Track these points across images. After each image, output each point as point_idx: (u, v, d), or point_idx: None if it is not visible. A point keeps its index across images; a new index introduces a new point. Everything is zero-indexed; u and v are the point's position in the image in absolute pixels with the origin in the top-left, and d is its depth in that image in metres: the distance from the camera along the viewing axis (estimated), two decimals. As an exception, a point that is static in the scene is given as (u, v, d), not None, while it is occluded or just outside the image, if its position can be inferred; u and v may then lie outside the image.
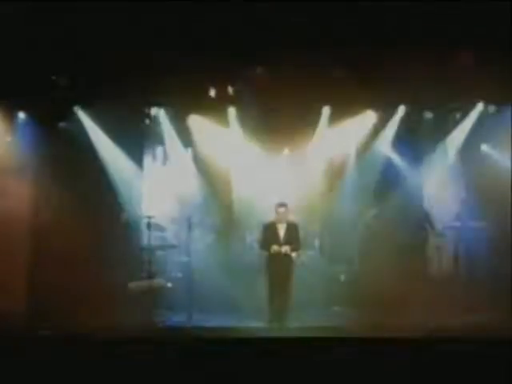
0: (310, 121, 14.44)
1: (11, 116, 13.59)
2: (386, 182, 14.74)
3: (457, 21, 9.85)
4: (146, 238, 13.10)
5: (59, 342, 9.08)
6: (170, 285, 13.66)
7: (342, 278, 14.00)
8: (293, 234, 12.16)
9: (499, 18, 9.72)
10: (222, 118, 14.44)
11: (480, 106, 14.09)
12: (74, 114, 13.83)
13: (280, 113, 14.13)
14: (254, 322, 11.87)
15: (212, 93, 13.47)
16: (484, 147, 14.66)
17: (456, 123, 14.58)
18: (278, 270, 11.94)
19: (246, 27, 10.08)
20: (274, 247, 11.97)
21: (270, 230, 12.21)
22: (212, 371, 8.13)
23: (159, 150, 15.38)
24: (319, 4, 9.74)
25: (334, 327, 11.93)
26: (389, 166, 14.93)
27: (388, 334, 10.45)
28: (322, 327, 11.80)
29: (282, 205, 12.24)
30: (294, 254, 12.17)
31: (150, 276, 13.01)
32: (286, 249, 11.94)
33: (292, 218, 13.06)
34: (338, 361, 8.19)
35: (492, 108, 13.91)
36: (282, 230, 12.11)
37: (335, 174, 15.02)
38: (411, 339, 9.15)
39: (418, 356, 8.22)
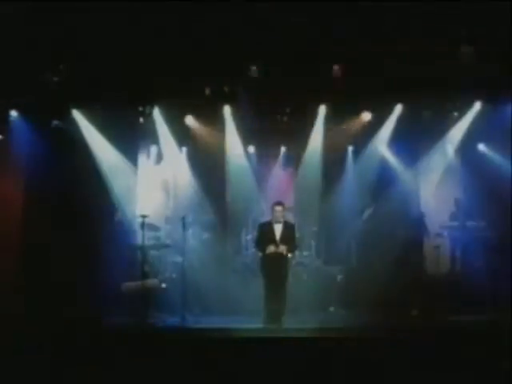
0: (307, 120, 14.63)
1: (4, 114, 13.65)
2: (383, 182, 14.96)
3: (457, 21, 10.01)
4: (140, 238, 13.02)
5: (51, 340, 9.20)
6: (164, 285, 13.68)
7: (339, 278, 14.06)
8: (289, 234, 12.08)
9: (499, 18, 9.88)
10: (218, 117, 14.58)
11: (478, 105, 14.27)
12: (67, 113, 13.93)
13: (277, 112, 14.39)
14: (250, 323, 11.77)
15: (208, 91, 13.57)
16: (481, 146, 14.94)
17: (454, 122, 14.75)
18: (274, 271, 11.83)
19: (246, 27, 10.21)
20: (270, 248, 11.87)
21: (266, 230, 12.11)
22: (209, 372, 8.28)
23: (154, 148, 15.51)
24: (319, 4, 9.88)
25: (331, 327, 11.94)
26: (386, 166, 15.17)
27: (386, 334, 10.67)
28: (319, 328, 11.79)
29: (279, 204, 12.16)
30: (289, 255, 12.12)
31: (144, 276, 12.99)
32: (283, 249, 11.85)
33: (289, 217, 13.23)
34: (337, 360, 8.40)
35: (490, 107, 14.06)
36: (278, 230, 11.98)
37: (332, 173, 15.20)
38: (410, 339, 9.29)
39: (418, 356, 8.38)
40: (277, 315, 11.70)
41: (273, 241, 11.89)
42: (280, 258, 11.87)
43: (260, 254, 12.20)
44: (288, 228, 12.10)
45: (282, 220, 12.05)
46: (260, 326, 11.63)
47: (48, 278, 13.17)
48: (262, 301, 11.88)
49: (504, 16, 9.81)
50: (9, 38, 11.10)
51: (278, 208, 12.04)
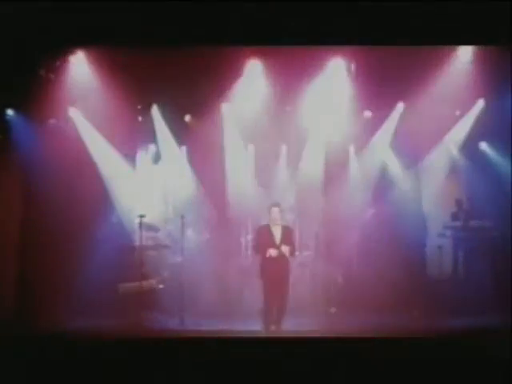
0: (307, 119, 14.73)
1: (0, 113, 13.70)
2: (385, 182, 15.12)
3: (457, 20, 10.09)
4: (138, 238, 13.14)
5: (49, 342, 9.33)
6: (161, 286, 13.84)
7: (340, 278, 14.19)
8: (288, 237, 11.95)
9: (499, 18, 9.98)
10: (217, 116, 14.74)
11: (480, 104, 14.43)
12: (64, 111, 14.05)
13: (276, 110, 14.55)
14: (250, 325, 11.94)
15: (207, 90, 13.69)
16: (483, 145, 15.06)
17: (456, 120, 14.90)
18: (274, 274, 11.66)
19: (245, 26, 10.31)
20: (270, 251, 11.73)
21: (264, 233, 11.93)
22: (208, 374, 8.38)
23: (152, 148, 15.63)
24: (319, 4, 10.00)
25: (332, 329, 12.18)
26: (387, 165, 15.31)
27: (387, 334, 10.84)
28: (320, 329, 12.05)
29: (276, 205, 12.08)
30: (290, 258, 12.02)
31: (141, 277, 13.11)
32: (286, 250, 11.73)
33: (290, 217, 13.35)
34: (337, 361, 8.43)
35: (493, 105, 14.14)
36: (277, 233, 11.87)
37: (333, 172, 15.27)
38: (411, 340, 9.43)
39: (418, 357, 8.49)
40: (277, 317, 11.74)
41: (272, 244, 11.78)
42: (281, 261, 11.75)
43: (259, 257, 12.05)
44: (287, 231, 12.02)
45: (279, 222, 11.98)
46: (260, 328, 11.71)
47: (45, 278, 13.33)
48: (262, 304, 11.86)
49: (504, 16, 9.91)
50: (4, 36, 11.15)
51: (275, 209, 11.94)
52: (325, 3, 10.05)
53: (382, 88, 13.48)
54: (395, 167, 15.29)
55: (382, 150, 15.29)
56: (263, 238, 11.96)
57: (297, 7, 10.11)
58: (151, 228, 14.15)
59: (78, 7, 10.57)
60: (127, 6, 10.34)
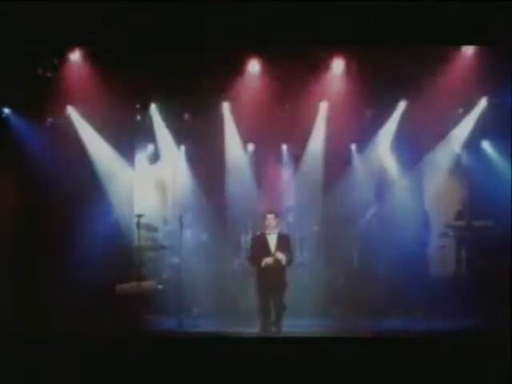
0: (308, 118, 14.91)
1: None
2: (387, 181, 15.28)
3: (457, 20, 10.24)
4: (136, 238, 13.15)
5: (46, 342, 9.48)
6: (160, 287, 13.92)
7: (341, 279, 14.27)
8: (285, 246, 11.92)
9: (500, 17, 10.14)
10: (217, 115, 14.88)
11: (483, 102, 14.55)
12: (62, 110, 14.19)
13: (278, 109, 14.76)
14: (249, 326, 11.95)
15: (206, 88, 13.84)
16: (486, 144, 15.21)
17: (459, 119, 15.03)
18: (272, 284, 11.67)
19: (245, 25, 10.45)
20: (266, 260, 11.67)
21: (259, 242, 12.00)
22: (207, 375, 8.44)
23: (151, 147, 15.78)
24: (319, 4, 10.16)
25: (332, 329, 12.35)
26: (389, 164, 15.46)
27: (388, 334, 11.00)
28: (321, 330, 12.17)
29: (271, 212, 12.14)
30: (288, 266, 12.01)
31: (140, 278, 13.21)
32: (281, 257, 11.69)
33: (290, 217, 13.45)
34: (338, 361, 8.49)
35: (494, 104, 14.35)
36: (272, 241, 11.84)
37: (334, 172, 15.41)
38: (411, 340, 9.60)
39: (419, 357, 8.54)
40: (276, 320, 11.75)
41: (268, 253, 11.78)
42: (277, 269, 11.73)
43: (254, 267, 12.08)
44: (283, 239, 12.03)
45: (275, 230, 11.99)
46: (259, 328, 11.77)
47: (42, 278, 13.48)
48: (257, 313, 11.89)
49: (504, 15, 10.06)
50: (3, 35, 11.28)
51: (270, 216, 11.98)
52: (324, 3, 10.22)
53: (383, 87, 13.63)
54: (397, 166, 15.41)
55: (383, 149, 15.45)
56: (258, 248, 11.98)
57: (297, 7, 10.27)
58: (149, 228, 14.33)
59: (76, 7, 10.73)
60: (126, 5, 10.51)
